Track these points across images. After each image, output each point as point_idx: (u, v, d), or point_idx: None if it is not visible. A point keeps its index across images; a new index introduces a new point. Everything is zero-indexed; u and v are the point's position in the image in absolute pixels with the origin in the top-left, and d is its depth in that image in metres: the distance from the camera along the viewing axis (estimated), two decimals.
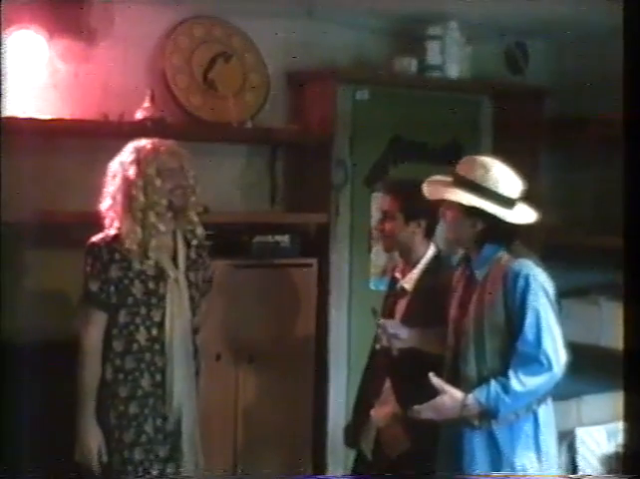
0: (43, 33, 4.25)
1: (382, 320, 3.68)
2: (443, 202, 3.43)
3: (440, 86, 5.27)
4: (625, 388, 2.91)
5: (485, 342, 3.25)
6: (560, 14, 4.77)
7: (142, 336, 3.56)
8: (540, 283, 3.23)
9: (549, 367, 3.17)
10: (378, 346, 3.67)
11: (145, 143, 3.62)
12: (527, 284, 3.20)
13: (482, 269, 3.33)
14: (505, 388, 3.15)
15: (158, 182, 3.55)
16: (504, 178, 3.31)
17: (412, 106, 5.29)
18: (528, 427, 3.29)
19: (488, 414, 3.20)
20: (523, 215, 3.34)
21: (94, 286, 3.55)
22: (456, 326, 3.38)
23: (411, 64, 5.05)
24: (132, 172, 3.54)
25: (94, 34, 4.41)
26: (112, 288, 3.55)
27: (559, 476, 4.19)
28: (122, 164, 3.59)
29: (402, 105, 5.26)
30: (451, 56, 5.13)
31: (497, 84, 5.52)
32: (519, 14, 4.86)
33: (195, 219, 3.70)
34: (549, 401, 3.35)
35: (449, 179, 3.41)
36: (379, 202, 4.08)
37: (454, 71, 5.15)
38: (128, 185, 3.54)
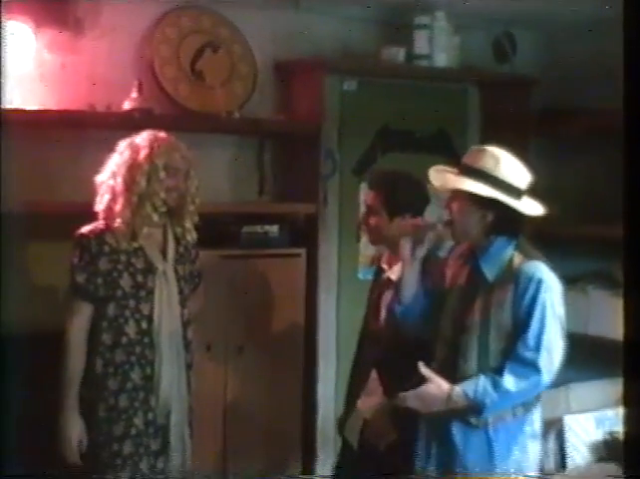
0: (29, 24, 4.24)
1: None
2: (435, 195, 3.42)
3: (427, 75, 5.26)
4: (624, 377, 2.92)
5: (490, 343, 3.22)
6: (548, 4, 4.77)
7: (131, 329, 3.56)
8: (551, 290, 3.21)
9: (540, 373, 3.16)
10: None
11: (162, 135, 3.63)
12: (538, 290, 3.17)
13: (493, 269, 3.27)
14: (496, 385, 3.14)
15: (162, 174, 3.56)
16: (514, 168, 3.28)
17: (400, 95, 5.29)
18: (526, 426, 3.28)
19: (474, 409, 3.18)
20: (532, 206, 3.31)
21: (80, 278, 3.54)
22: (455, 322, 3.33)
23: (398, 53, 5.04)
24: (141, 155, 3.55)
25: (81, 25, 4.40)
26: (99, 280, 3.55)
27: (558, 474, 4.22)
28: (132, 144, 3.59)
29: (390, 95, 5.26)
30: (438, 45, 5.11)
31: (485, 73, 5.51)
32: (507, 4, 4.86)
33: (189, 225, 3.70)
34: (539, 402, 3.35)
35: (454, 169, 3.35)
36: (363, 195, 4.06)
37: (441, 60, 5.14)
38: (133, 166, 3.54)
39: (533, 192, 3.41)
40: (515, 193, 3.26)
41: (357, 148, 5.22)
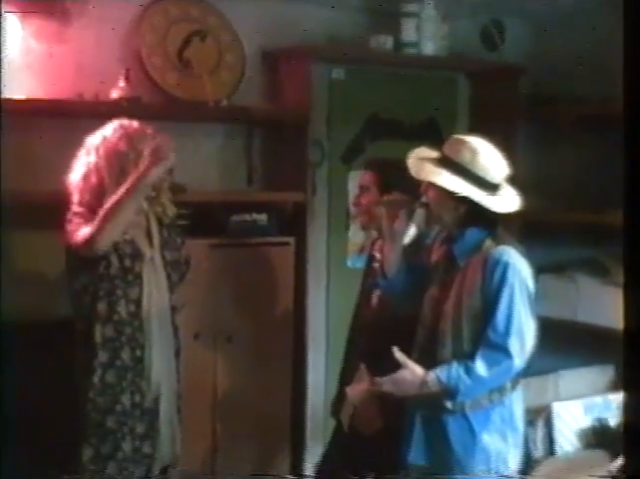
0: (16, 13, 4.22)
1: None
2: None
3: (416, 63, 5.27)
4: (624, 365, 2.93)
5: (463, 328, 3.25)
6: None
7: (122, 309, 3.56)
8: (519, 273, 3.23)
9: (512, 357, 3.18)
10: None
11: (129, 122, 3.61)
12: (505, 273, 3.20)
13: (464, 255, 3.31)
14: (468, 370, 3.17)
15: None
16: (492, 163, 3.29)
17: (388, 84, 5.30)
18: (504, 412, 3.31)
19: (448, 394, 3.21)
20: (507, 200, 3.32)
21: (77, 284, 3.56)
22: (434, 307, 3.37)
23: (386, 41, 5.03)
24: (123, 146, 3.53)
25: (68, 13, 4.38)
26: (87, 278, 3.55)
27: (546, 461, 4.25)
28: (106, 138, 3.57)
29: (378, 83, 5.26)
30: (426, 33, 5.10)
31: (474, 61, 5.52)
32: None
33: (166, 201, 3.69)
34: (520, 386, 3.37)
35: (434, 155, 3.38)
36: (359, 178, 4.08)
37: (430, 48, 5.13)
38: (118, 158, 3.52)
39: (521, 180, 3.41)
40: (490, 187, 3.28)
41: (345, 136, 5.23)
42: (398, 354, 3.24)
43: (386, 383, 3.28)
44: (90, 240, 3.42)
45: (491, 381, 3.23)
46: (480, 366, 3.17)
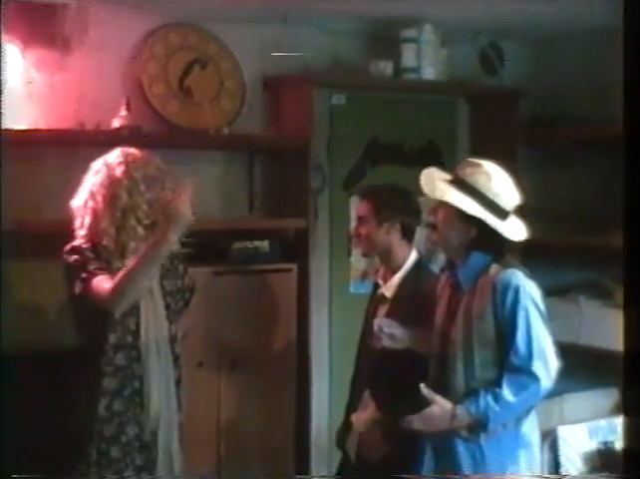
0: (17, 43, 4.24)
1: (378, 319, 3.67)
2: (431, 202, 3.42)
3: (416, 88, 5.27)
4: (623, 388, 2.92)
5: (474, 354, 3.22)
6: (534, 15, 4.79)
7: (117, 340, 3.52)
8: (530, 295, 3.21)
9: (539, 380, 3.16)
10: (377, 345, 3.60)
11: (133, 150, 3.62)
12: (517, 296, 3.18)
13: (470, 280, 3.29)
14: (496, 398, 3.15)
15: (142, 187, 3.54)
16: (506, 189, 3.28)
17: (388, 109, 5.31)
18: (517, 436, 3.28)
19: (478, 424, 3.19)
20: (516, 229, 3.31)
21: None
22: (442, 335, 3.35)
23: (386, 67, 5.05)
24: (118, 171, 3.53)
25: (68, 43, 4.40)
26: None
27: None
28: (107, 164, 3.57)
29: (378, 108, 5.28)
30: (426, 58, 5.11)
31: (473, 85, 5.54)
32: (494, 15, 4.87)
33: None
34: (533, 411, 3.35)
35: (447, 176, 3.35)
36: (355, 208, 4.10)
37: (429, 73, 5.14)
38: (112, 183, 3.51)
39: (522, 203, 3.41)
40: (502, 213, 3.27)
41: (346, 161, 5.24)
42: (425, 391, 3.21)
43: (416, 421, 3.24)
44: (108, 306, 3.41)
45: (520, 406, 3.21)
46: (507, 393, 3.14)
